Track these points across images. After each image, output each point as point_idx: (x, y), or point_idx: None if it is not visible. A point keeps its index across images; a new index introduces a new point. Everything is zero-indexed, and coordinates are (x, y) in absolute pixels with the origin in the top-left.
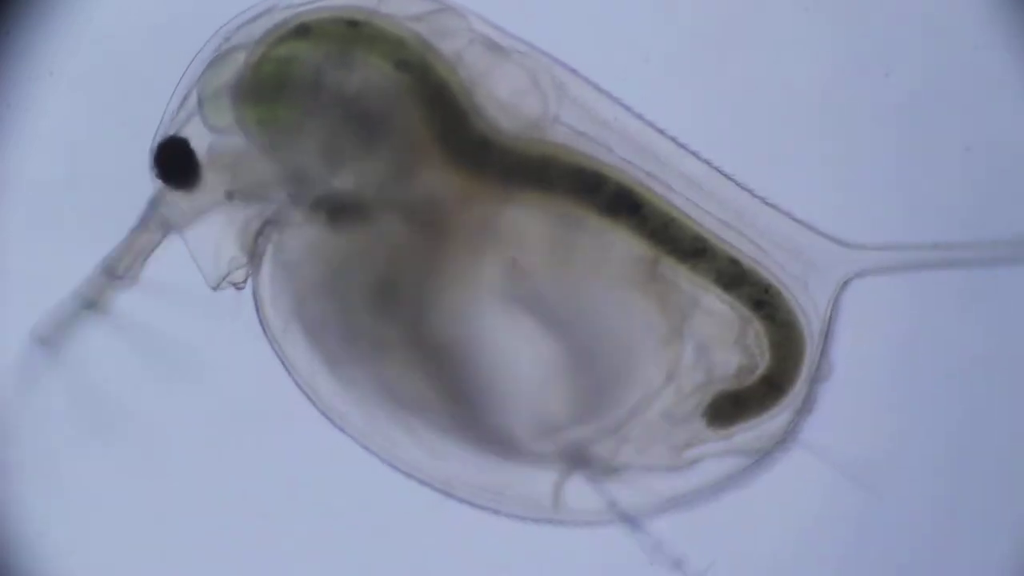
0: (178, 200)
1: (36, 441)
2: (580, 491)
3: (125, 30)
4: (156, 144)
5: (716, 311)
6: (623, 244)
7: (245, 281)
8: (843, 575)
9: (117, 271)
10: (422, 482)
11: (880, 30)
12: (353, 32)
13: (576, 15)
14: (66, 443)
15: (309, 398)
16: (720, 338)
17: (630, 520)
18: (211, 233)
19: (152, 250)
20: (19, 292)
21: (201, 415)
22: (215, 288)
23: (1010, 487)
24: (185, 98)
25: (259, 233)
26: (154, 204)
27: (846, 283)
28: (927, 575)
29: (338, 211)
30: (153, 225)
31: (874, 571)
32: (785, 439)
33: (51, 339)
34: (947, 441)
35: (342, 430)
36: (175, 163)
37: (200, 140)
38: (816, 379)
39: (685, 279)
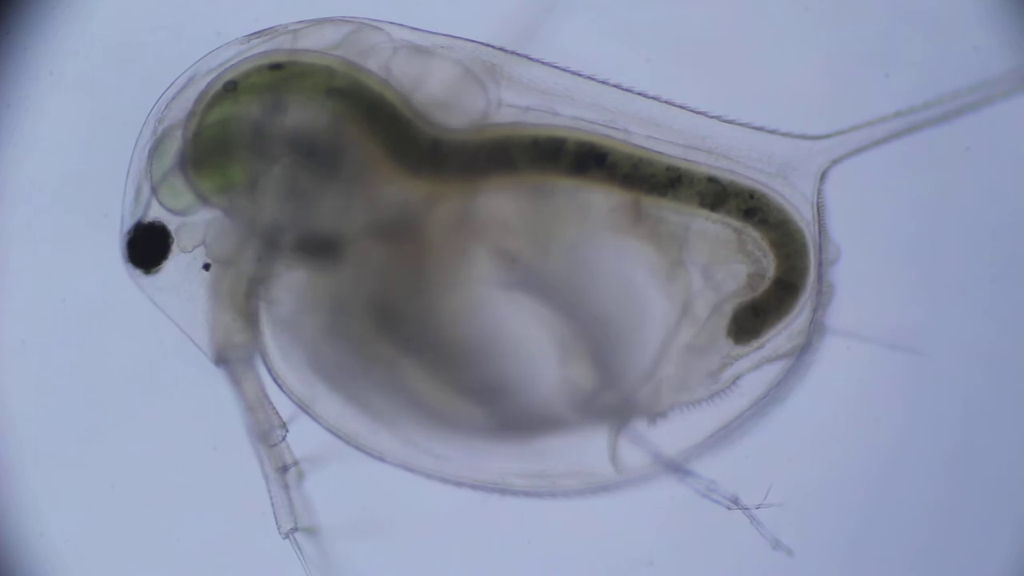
0: (151, 284)
1: (36, 441)
2: (630, 449)
3: (125, 30)
4: (131, 232)
5: (709, 231)
6: (600, 196)
7: (249, 342)
8: (895, 466)
9: (264, 430)
10: (473, 487)
11: (880, 30)
12: (279, 75)
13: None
14: (66, 443)
15: (346, 442)
16: (721, 255)
17: (680, 468)
18: (199, 309)
19: (263, 389)
20: (19, 292)
21: (203, 415)
22: (217, 362)
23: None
24: (138, 190)
25: (247, 294)
26: (227, 359)
27: (824, 174)
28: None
29: (315, 250)
30: (239, 372)
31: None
32: (815, 329)
33: (297, 522)
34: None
35: (382, 460)
36: (152, 247)
37: (168, 223)
38: (826, 265)
39: (670, 210)
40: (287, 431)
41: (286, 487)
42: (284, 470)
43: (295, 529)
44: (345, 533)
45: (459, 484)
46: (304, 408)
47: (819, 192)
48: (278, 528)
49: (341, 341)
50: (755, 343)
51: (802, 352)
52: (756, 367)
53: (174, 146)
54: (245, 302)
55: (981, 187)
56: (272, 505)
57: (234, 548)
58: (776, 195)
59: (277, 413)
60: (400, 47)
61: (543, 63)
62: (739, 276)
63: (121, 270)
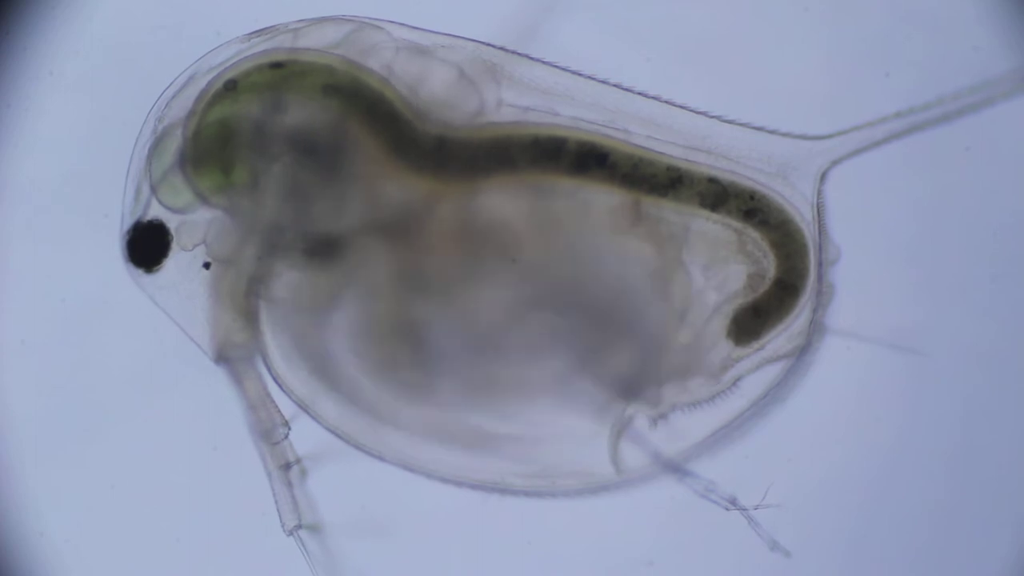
0: (151, 283)
1: (36, 441)
2: (630, 449)
3: (125, 30)
4: (131, 230)
5: (709, 232)
6: (600, 196)
7: (249, 341)
8: (895, 465)
9: (267, 427)
10: (473, 487)
11: (880, 30)
12: (280, 73)
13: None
14: (66, 443)
15: (346, 442)
16: (721, 256)
17: (679, 468)
18: (199, 307)
19: (265, 388)
20: (19, 292)
21: (204, 415)
22: (217, 360)
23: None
24: (138, 189)
25: (247, 293)
26: (228, 358)
27: (824, 175)
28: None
29: (316, 249)
30: (241, 371)
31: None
32: (815, 329)
33: (301, 519)
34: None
35: (382, 459)
36: (152, 246)
37: (168, 222)
38: (826, 266)
39: (670, 211)
40: (289, 429)
41: (289, 485)
42: (287, 468)
43: (299, 526)
44: (346, 532)
45: (459, 484)
46: (304, 407)
47: (819, 192)
48: (282, 526)
49: (341, 341)
50: (755, 344)
51: (802, 352)
52: (757, 368)
53: (174, 145)
54: (245, 301)
55: (981, 187)
56: (276, 503)
57: (234, 548)
58: (776, 196)
59: (279, 411)
60: (401, 46)
61: (543, 63)
62: (739, 277)
63: (121, 270)
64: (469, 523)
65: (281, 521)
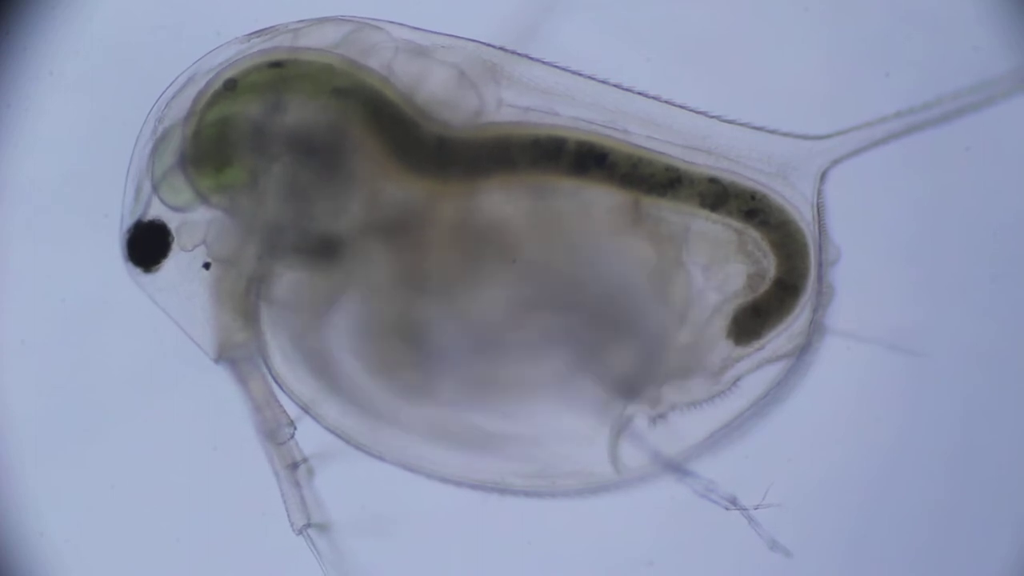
0: (151, 282)
1: (36, 441)
2: (630, 449)
3: (125, 30)
4: (131, 230)
5: (709, 232)
6: (600, 196)
7: (249, 341)
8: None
9: (272, 427)
10: (473, 487)
11: (880, 30)
12: (280, 73)
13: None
14: (66, 443)
15: (347, 442)
16: (721, 256)
17: (679, 468)
18: (199, 307)
19: (269, 388)
20: (19, 292)
21: (204, 415)
22: (217, 360)
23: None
24: (138, 188)
25: (247, 293)
26: (229, 358)
27: (824, 174)
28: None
29: (316, 250)
30: (244, 371)
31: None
32: (815, 329)
33: (310, 518)
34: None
35: (382, 459)
36: (152, 246)
37: (168, 222)
38: (826, 266)
39: (670, 211)
40: (295, 429)
41: (296, 484)
42: (294, 467)
43: (308, 526)
44: (346, 531)
45: (459, 484)
46: (305, 408)
47: (819, 192)
48: (291, 525)
49: (342, 341)
50: (755, 344)
51: (802, 352)
52: (757, 368)
53: (174, 144)
54: (245, 301)
55: (981, 187)
56: (284, 502)
57: (234, 548)
58: (777, 196)
59: (284, 411)
60: (400, 46)
61: (543, 63)
62: (739, 277)
63: (121, 270)
64: (469, 523)
65: (290, 521)
